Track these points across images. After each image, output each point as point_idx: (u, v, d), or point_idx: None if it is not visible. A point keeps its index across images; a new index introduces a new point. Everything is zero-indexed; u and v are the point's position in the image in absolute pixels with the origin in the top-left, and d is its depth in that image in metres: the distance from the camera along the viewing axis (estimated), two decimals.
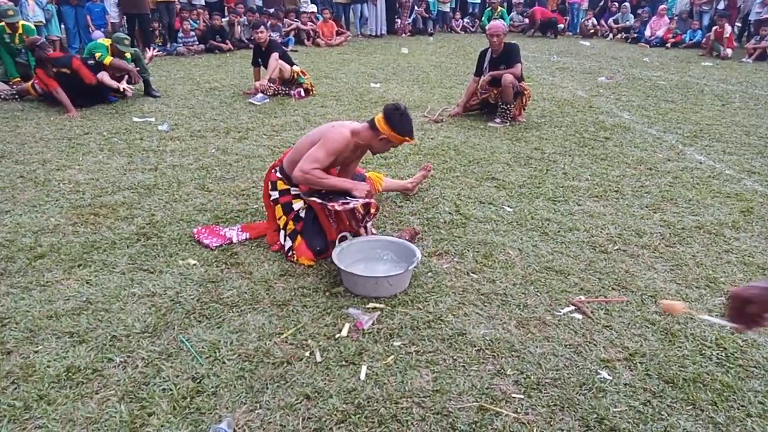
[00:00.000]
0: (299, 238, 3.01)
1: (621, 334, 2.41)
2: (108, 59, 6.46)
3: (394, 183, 3.83)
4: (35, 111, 6.19)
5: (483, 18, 14.72)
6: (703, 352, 2.30)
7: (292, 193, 3.12)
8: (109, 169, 4.38)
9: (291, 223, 3.07)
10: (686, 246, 3.23)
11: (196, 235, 3.21)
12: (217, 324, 2.44)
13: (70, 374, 2.11)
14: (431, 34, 14.57)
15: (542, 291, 2.73)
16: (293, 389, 2.06)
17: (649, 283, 2.82)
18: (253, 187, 4.02)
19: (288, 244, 3.04)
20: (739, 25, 13.24)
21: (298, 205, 3.09)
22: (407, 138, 2.99)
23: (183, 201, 3.76)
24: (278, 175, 3.16)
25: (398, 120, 2.92)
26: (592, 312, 2.56)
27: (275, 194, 3.15)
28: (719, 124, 5.98)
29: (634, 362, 2.23)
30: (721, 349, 2.32)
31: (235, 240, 3.18)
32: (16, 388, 2.05)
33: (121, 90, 6.53)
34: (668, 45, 12.75)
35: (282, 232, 3.08)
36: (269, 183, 3.20)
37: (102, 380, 2.10)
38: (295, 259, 2.98)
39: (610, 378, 2.14)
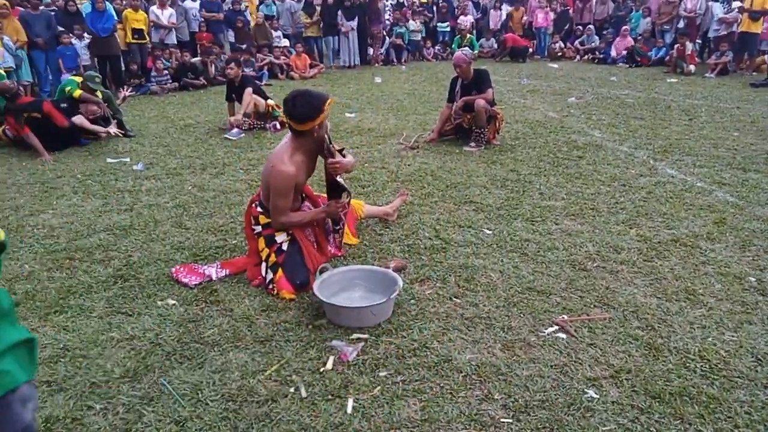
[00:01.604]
0: (280, 271, 2.99)
1: (605, 351, 2.42)
2: (78, 92, 6.50)
3: (374, 209, 3.86)
4: (6, 156, 6.11)
5: (453, 45, 15.00)
6: (688, 365, 2.32)
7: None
8: (83, 211, 4.32)
9: (273, 255, 3.05)
10: (663, 259, 3.27)
11: (175, 274, 3.16)
12: (198, 364, 2.40)
13: (48, 425, 2.05)
14: (404, 63, 14.79)
15: (525, 312, 2.74)
16: (279, 427, 2.02)
17: (629, 299, 2.84)
18: (231, 222, 4.00)
19: (269, 276, 3.01)
20: (700, 42, 13.69)
21: (281, 237, 3.10)
22: (324, 109, 2.90)
23: (160, 240, 3.71)
24: (259, 209, 3.15)
25: (302, 107, 2.86)
26: (575, 331, 2.56)
27: (258, 228, 3.15)
28: (688, 138, 6.14)
29: (620, 379, 2.23)
30: (705, 361, 2.34)
31: (214, 277, 3.15)
32: None
33: (112, 133, 6.65)
34: (637, 59, 13.08)
35: (264, 264, 3.07)
36: (251, 218, 3.19)
37: (82, 429, 2.03)
38: (276, 292, 2.95)
39: (598, 396, 2.14)
